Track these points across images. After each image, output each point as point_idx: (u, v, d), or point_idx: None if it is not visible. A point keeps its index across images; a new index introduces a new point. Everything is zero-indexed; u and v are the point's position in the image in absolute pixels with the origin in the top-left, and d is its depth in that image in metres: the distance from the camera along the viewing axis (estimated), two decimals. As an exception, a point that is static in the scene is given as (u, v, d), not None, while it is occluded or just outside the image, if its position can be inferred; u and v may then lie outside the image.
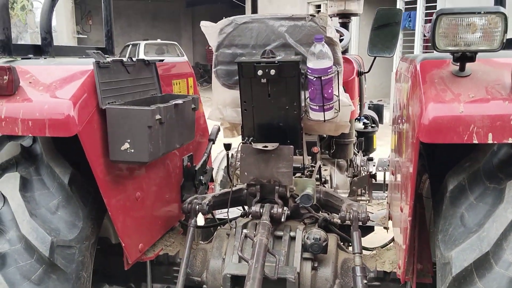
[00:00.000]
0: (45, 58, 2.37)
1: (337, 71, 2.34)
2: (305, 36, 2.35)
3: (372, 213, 3.20)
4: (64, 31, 19.08)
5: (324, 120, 2.36)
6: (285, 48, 2.37)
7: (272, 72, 2.25)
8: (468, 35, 1.65)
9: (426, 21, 11.85)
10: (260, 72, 2.26)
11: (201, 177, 2.92)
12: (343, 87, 2.54)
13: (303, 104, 2.40)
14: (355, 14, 3.81)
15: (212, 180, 3.21)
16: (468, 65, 1.73)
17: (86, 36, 22.05)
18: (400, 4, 12.34)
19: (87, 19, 23.93)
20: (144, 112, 2.02)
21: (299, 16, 2.37)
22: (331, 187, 3.39)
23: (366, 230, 3.04)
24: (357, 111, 3.58)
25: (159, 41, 20.16)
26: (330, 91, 2.30)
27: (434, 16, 1.66)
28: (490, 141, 1.61)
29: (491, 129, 1.60)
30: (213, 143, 3.05)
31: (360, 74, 3.45)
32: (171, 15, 26.42)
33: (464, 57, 1.70)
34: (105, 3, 2.91)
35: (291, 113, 2.40)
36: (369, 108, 4.64)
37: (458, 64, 1.73)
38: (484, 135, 1.60)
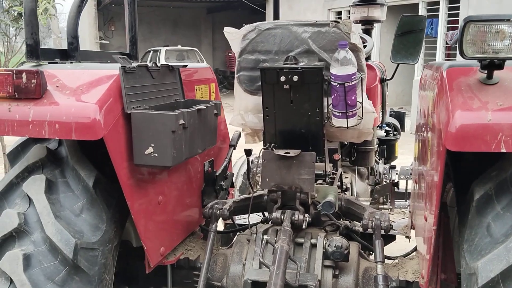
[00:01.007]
0: (71, 62, 2.41)
1: (361, 77, 2.32)
2: (329, 42, 2.34)
3: (394, 221, 3.17)
4: (87, 37, 19.40)
5: (347, 127, 2.35)
6: (308, 54, 2.37)
7: (295, 78, 2.25)
8: (497, 43, 1.63)
9: (448, 29, 11.74)
10: (283, 78, 2.26)
11: (222, 183, 2.92)
12: (366, 94, 2.53)
13: (325, 111, 2.39)
14: (378, 21, 3.79)
15: (232, 185, 3.22)
16: (496, 72, 1.70)
17: (108, 42, 22.37)
18: (422, 12, 12.25)
19: (110, 25, 24.32)
20: (169, 117, 2.03)
21: (323, 22, 2.37)
22: (351, 195, 3.36)
23: (388, 239, 3.00)
24: (379, 119, 3.55)
25: (179, 47, 20.37)
26: (353, 97, 2.29)
27: (462, 23, 1.64)
28: None
29: None
30: (234, 148, 3.05)
31: (383, 81, 3.42)
32: (191, 21, 26.65)
33: (492, 65, 1.67)
34: (130, 9, 2.94)
35: (313, 119, 2.39)
36: (390, 115, 4.61)
37: (486, 71, 1.71)
38: None
